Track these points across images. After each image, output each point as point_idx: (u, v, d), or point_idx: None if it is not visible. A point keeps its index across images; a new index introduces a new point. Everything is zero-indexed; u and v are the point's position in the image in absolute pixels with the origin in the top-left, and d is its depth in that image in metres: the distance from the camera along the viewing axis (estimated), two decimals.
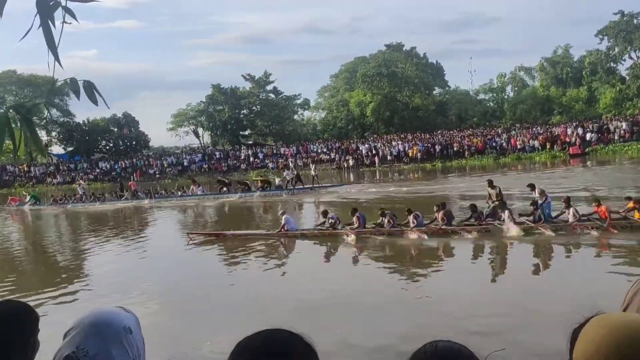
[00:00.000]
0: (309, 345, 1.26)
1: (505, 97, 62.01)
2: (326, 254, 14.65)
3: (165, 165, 54.51)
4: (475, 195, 20.50)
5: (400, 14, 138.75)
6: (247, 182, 33.96)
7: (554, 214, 14.57)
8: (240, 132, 67.22)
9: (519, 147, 42.46)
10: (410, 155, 45.43)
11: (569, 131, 42.29)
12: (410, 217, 15.03)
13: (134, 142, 66.93)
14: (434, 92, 65.95)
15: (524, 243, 13.48)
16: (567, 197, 14.71)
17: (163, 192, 34.71)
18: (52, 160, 63.28)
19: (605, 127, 42.04)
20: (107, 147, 66.68)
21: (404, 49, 66.47)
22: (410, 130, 53.82)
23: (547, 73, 59.76)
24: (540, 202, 14.69)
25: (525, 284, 10.47)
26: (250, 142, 65.34)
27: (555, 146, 41.13)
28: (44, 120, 65.56)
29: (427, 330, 7.68)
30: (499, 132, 47.19)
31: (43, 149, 4.41)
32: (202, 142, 70.48)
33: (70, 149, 65.61)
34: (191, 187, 33.48)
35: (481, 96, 64.33)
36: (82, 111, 63.13)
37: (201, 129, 69.45)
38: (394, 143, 48.07)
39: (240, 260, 14.22)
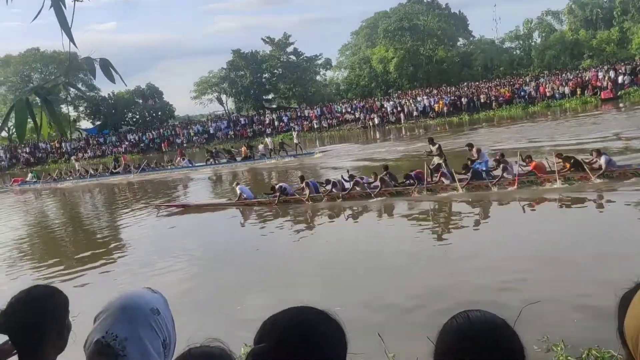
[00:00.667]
0: (335, 322, 1.27)
1: (533, 43, 59.94)
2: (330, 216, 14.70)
3: (192, 134, 54.92)
4: (504, 148, 20.17)
5: None
6: (232, 150, 34.36)
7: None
8: (264, 97, 67.07)
9: (548, 94, 41.32)
10: (436, 109, 44.74)
11: (600, 75, 40.91)
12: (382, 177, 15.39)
13: (159, 113, 67.49)
14: (458, 43, 64.44)
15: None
16: (501, 154, 15.18)
17: (153, 165, 34.98)
18: (81, 135, 64.44)
19: (638, 68, 40.52)
20: (134, 119, 67.45)
21: (425, 0, 64.79)
22: (435, 84, 52.87)
23: (575, 16, 57.54)
24: (476, 160, 15.19)
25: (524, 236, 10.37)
26: (274, 106, 65.21)
27: (586, 92, 39.87)
28: (70, 97, 66.58)
29: (453, 289, 7.74)
30: (527, 80, 45.95)
31: (64, 129, 4.50)
32: (226, 108, 70.63)
33: (98, 123, 66.54)
34: (177, 159, 34.28)
35: (507, 44, 62.35)
36: (108, 85, 63.56)
37: (224, 95, 69.48)
38: (419, 98, 47.33)
39: (254, 226, 14.72)
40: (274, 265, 10.57)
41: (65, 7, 1.91)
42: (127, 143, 55.67)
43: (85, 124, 69.76)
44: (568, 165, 13.91)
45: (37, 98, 2.16)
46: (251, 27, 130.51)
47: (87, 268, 12.01)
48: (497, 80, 50.27)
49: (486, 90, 45.37)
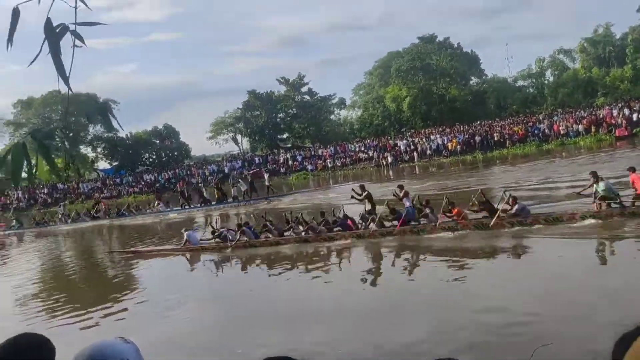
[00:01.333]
0: None
1: (545, 81, 60.08)
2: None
3: (207, 173, 55.44)
4: (517, 186, 20.02)
5: (433, 4, 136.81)
6: (204, 193, 34.63)
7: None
8: (278, 136, 67.76)
9: (562, 132, 41.18)
10: (449, 148, 44.75)
11: (615, 112, 40.77)
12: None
13: (175, 153, 68.42)
14: (471, 82, 64.83)
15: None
16: (427, 200, 15.95)
17: (133, 208, 35.84)
18: (99, 175, 65.41)
19: None
20: (150, 160, 68.39)
21: (437, 40, 65.63)
22: (448, 122, 53.01)
23: (588, 54, 57.71)
24: (407, 204, 15.69)
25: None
26: (289, 145, 65.74)
27: (600, 129, 39.68)
28: (89, 137, 67.96)
29: (462, 330, 7.61)
30: (541, 118, 45.92)
31: (59, 173, 4.60)
32: (241, 148, 71.44)
33: (116, 163, 67.59)
34: (155, 203, 34.91)
35: (520, 83, 62.56)
36: (126, 125, 64.91)
37: (240, 135, 70.38)
38: (432, 137, 47.46)
39: (248, 270, 14.91)
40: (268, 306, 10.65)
41: (62, 54, 1.96)
42: (143, 183, 56.28)
43: (103, 164, 70.99)
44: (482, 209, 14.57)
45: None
46: (267, 68, 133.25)
47: (60, 314, 11.95)
48: (510, 118, 50.29)
49: (499, 128, 45.36)
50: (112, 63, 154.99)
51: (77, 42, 2.01)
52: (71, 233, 32.39)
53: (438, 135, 47.30)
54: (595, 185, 13.73)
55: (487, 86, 61.73)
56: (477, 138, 44.25)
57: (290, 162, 52.91)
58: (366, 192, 17.39)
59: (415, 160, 45.15)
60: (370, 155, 49.28)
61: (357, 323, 8.86)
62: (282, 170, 52.40)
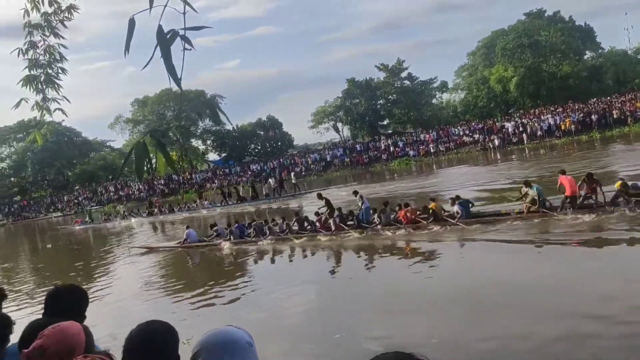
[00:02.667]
0: None
1: None
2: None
3: (310, 162, 56.51)
4: None
5: None
6: (240, 192, 37.31)
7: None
8: (379, 123, 67.52)
9: None
10: (562, 128, 42.09)
11: None
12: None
13: (279, 143, 70.51)
14: (585, 56, 60.41)
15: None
16: (385, 202, 16.84)
17: (182, 205, 39.41)
18: (209, 166, 69.07)
19: None
20: (256, 150, 71.05)
21: (545, 15, 61.82)
22: (560, 101, 49.83)
23: None
24: (361, 205, 16.83)
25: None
26: (390, 132, 65.35)
27: None
28: (199, 131, 71.85)
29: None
30: None
31: (174, 167, 4.89)
32: (342, 136, 72.04)
33: (224, 154, 71.00)
34: (197, 202, 38.67)
35: None
36: (232, 118, 67.89)
37: (340, 123, 70.94)
38: (543, 117, 44.89)
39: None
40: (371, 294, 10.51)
41: (172, 57, 2.05)
42: (250, 173, 58.53)
43: (213, 156, 74.89)
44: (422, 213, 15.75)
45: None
46: (365, 55, 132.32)
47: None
48: (631, 93, 46.26)
49: (619, 105, 41.92)
50: (217, 60, 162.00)
51: (187, 45, 2.08)
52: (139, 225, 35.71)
53: (549, 115, 44.66)
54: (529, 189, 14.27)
55: (604, 60, 57.26)
56: (594, 116, 41.21)
57: (391, 149, 52.50)
58: (324, 199, 19.36)
59: (525, 142, 42.99)
60: (476, 138, 47.63)
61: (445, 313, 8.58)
62: (384, 156, 52.14)
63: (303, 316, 9.58)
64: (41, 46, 4.60)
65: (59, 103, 4.70)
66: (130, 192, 63.62)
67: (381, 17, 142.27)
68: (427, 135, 51.95)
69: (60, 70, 4.67)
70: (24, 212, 68.98)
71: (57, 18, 4.52)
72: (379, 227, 15.82)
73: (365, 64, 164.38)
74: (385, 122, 68.75)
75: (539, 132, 43.18)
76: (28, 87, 4.56)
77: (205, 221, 27.16)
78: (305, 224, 17.71)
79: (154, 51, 2.04)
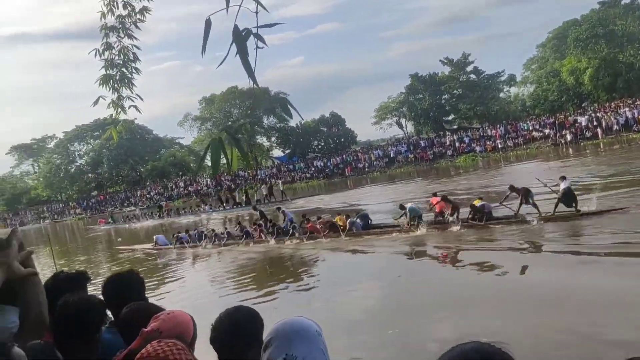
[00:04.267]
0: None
1: None
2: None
3: (373, 158, 56.33)
4: None
5: None
6: (236, 197, 42.10)
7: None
8: (444, 118, 66.24)
9: None
10: None
11: None
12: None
13: (342, 139, 70.62)
14: None
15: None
16: (303, 214, 21.01)
17: (187, 209, 44.15)
18: (273, 163, 70.21)
19: None
20: (319, 147, 71.51)
21: (622, 2, 58.61)
22: (639, 93, 47.13)
23: None
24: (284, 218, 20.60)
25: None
26: (455, 127, 64.04)
27: None
28: (264, 128, 73.16)
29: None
30: None
31: (250, 162, 5.01)
32: (405, 132, 71.28)
33: (288, 151, 71.93)
34: (201, 206, 42.45)
35: None
36: (296, 115, 68.51)
37: (404, 119, 70.21)
38: (620, 111, 42.67)
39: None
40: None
41: (248, 55, 2.14)
42: (313, 169, 59.03)
43: (277, 152, 76.08)
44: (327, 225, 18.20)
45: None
46: (428, 50, 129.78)
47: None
48: None
49: None
50: (281, 58, 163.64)
51: (259, 43, 2.15)
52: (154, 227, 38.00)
53: (627, 109, 42.39)
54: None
55: None
56: None
57: (457, 144, 51.48)
58: (258, 212, 23.44)
59: (600, 137, 41.02)
60: (546, 133, 45.93)
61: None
62: (449, 152, 51.20)
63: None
64: (116, 47, 4.84)
65: (133, 101, 4.91)
66: (199, 188, 65.68)
67: (444, 11, 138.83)
68: (495, 131, 50.57)
69: (134, 70, 4.91)
70: (100, 206, 72.67)
71: (130, 20, 4.76)
72: (296, 235, 18.63)
73: (429, 59, 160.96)
74: (450, 118, 67.34)
75: (615, 127, 41.11)
76: (104, 86, 4.80)
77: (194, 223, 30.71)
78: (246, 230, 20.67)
79: (229, 49, 2.11)
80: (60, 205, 79.14)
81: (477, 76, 63.28)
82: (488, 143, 48.99)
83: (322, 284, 12.57)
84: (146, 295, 3.00)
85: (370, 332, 8.46)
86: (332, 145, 69.79)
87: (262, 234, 19.81)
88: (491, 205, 15.60)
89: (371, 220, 17.79)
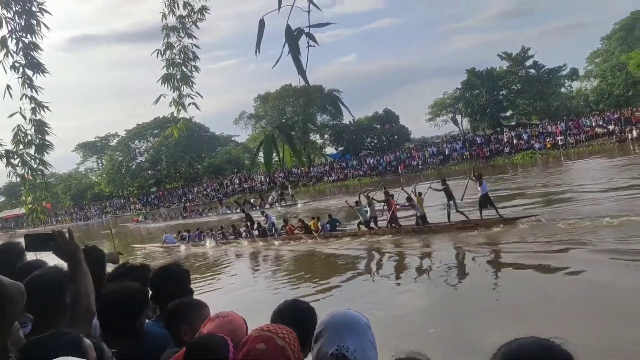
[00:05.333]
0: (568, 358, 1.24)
1: None
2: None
3: (427, 155, 55.54)
4: None
5: None
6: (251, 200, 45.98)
7: None
8: (501, 114, 64.51)
9: None
10: None
11: None
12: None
13: (395, 137, 70.03)
14: None
15: None
16: (265, 214, 25.55)
17: (207, 209, 47.57)
18: (326, 160, 70.44)
19: None
20: (373, 144, 71.17)
21: None
22: None
23: None
24: (266, 220, 24.06)
25: None
26: (513, 124, 62.25)
27: None
28: (317, 126, 73.54)
29: None
30: None
31: (302, 159, 5.02)
32: (461, 129, 69.89)
33: (341, 148, 71.95)
34: (218, 207, 46.45)
35: None
36: (347, 113, 68.57)
37: (459, 115, 68.85)
38: None
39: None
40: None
41: (300, 54, 2.13)
42: (366, 166, 58.82)
43: (330, 149, 76.25)
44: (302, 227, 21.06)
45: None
46: (486, 45, 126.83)
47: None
48: None
49: None
50: (335, 55, 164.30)
51: (311, 42, 2.14)
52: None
53: None
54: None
55: None
56: None
57: (514, 141, 50.05)
58: (245, 214, 28.38)
59: None
60: (610, 129, 43.98)
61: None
62: (506, 150, 49.86)
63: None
64: (177, 46, 4.93)
65: (193, 99, 5.00)
66: (253, 184, 66.73)
67: (504, 4, 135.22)
68: (555, 127, 48.81)
69: (193, 68, 4.99)
70: (159, 202, 75.08)
71: (190, 20, 4.84)
72: (275, 236, 21.50)
73: (486, 54, 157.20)
74: (508, 114, 65.53)
75: None
76: (166, 84, 4.91)
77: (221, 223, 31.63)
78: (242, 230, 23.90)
79: (282, 50, 2.12)
80: (122, 200, 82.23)
81: (536, 71, 61.22)
82: (548, 140, 47.38)
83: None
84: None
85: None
86: (385, 143, 69.32)
87: (248, 234, 23.07)
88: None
89: (339, 224, 20.61)
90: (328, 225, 20.09)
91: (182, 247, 24.88)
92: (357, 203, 19.54)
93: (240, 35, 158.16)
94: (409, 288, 11.40)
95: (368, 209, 18.78)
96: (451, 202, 17.06)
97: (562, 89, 63.44)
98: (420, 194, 17.46)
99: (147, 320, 2.83)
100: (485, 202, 16.23)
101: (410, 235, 17.23)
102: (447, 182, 17.62)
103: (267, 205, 41.39)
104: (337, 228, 20.13)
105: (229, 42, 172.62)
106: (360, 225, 19.14)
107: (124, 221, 56.15)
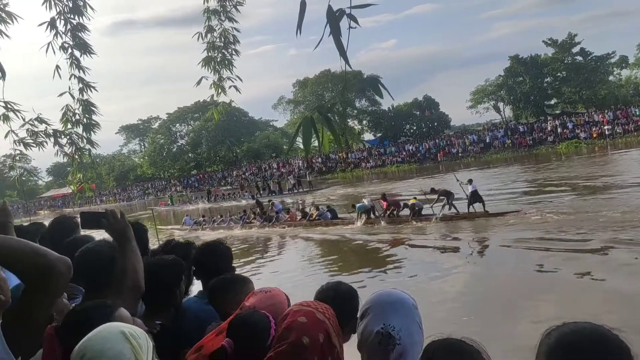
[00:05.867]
0: (623, 348, 1.20)
1: None
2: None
3: (467, 143, 54.61)
4: None
5: None
6: (271, 186, 47.22)
7: None
8: (545, 102, 62.77)
9: None
10: None
11: None
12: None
13: (435, 123, 69.09)
14: None
15: None
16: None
17: (230, 196, 46.59)
18: (364, 146, 70.12)
19: None
20: (411, 130, 70.42)
21: None
22: None
23: None
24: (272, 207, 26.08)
25: None
26: (558, 112, 60.46)
27: None
28: (355, 111, 73.17)
29: None
30: None
31: (341, 143, 4.99)
32: (503, 116, 68.43)
33: (379, 134, 71.47)
34: (240, 192, 47.19)
35: None
36: (387, 98, 67.86)
37: (502, 103, 67.42)
38: None
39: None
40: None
41: (341, 35, 2.10)
42: (404, 153, 58.28)
43: (368, 136, 75.88)
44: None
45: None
46: (529, 31, 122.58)
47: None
48: None
49: None
50: (375, 40, 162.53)
51: (352, 23, 2.10)
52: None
53: None
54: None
55: None
56: None
57: (559, 130, 48.68)
58: (256, 200, 30.10)
59: None
60: None
61: None
62: (550, 139, 48.56)
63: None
64: (217, 30, 5.00)
65: (233, 82, 5.07)
66: (291, 169, 67.06)
67: None
68: (602, 116, 47.21)
69: (234, 52, 5.06)
70: (199, 184, 76.33)
71: (231, 3, 4.89)
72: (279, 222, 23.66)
73: (530, 40, 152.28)
74: (552, 102, 63.69)
75: None
76: (206, 67, 4.99)
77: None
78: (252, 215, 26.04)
79: (324, 31, 2.09)
80: (163, 182, 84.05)
81: (583, 58, 59.09)
82: (594, 129, 45.91)
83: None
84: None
85: None
86: (424, 130, 68.52)
87: (255, 219, 25.35)
88: (422, 205, 18.71)
89: (336, 214, 22.14)
90: (327, 212, 22.18)
91: (199, 230, 26.87)
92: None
93: (279, 21, 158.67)
94: (449, 272, 11.45)
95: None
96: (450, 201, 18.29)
97: (611, 77, 61.14)
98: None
99: (191, 296, 2.95)
100: (475, 198, 17.72)
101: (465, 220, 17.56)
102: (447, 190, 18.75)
103: (287, 192, 43.46)
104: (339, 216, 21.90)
105: (268, 27, 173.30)
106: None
107: (155, 204, 57.45)
